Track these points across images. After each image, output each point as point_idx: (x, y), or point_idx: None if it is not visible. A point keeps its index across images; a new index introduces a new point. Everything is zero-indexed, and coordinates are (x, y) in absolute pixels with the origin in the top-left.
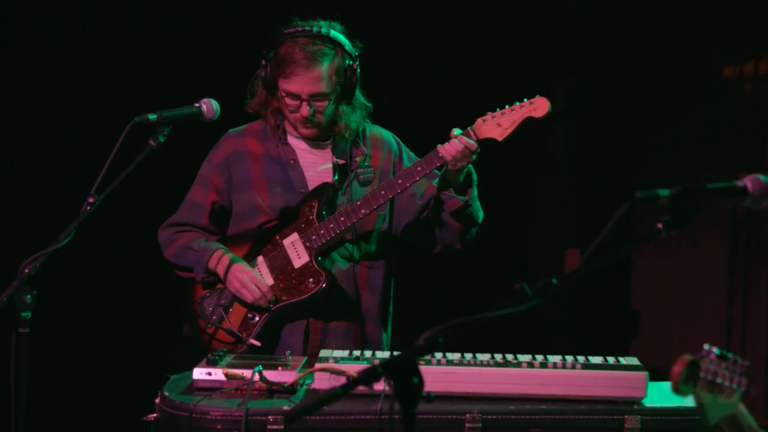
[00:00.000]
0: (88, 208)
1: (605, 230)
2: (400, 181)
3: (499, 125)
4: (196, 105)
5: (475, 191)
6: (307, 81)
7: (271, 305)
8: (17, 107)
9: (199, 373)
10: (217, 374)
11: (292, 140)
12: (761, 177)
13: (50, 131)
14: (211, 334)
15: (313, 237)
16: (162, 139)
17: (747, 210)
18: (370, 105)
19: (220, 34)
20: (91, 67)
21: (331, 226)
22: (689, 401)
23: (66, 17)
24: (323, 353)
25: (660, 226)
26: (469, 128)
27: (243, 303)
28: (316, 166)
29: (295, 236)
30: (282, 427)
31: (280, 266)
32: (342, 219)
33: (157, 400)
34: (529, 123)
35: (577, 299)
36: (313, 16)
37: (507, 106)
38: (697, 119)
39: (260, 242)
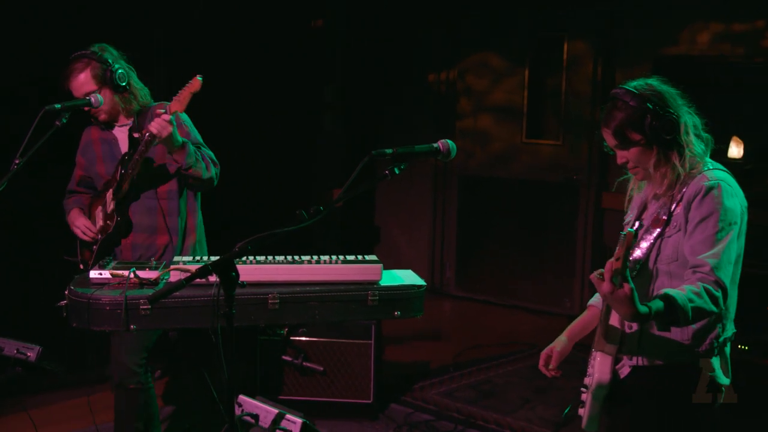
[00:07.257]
0: (14, 167)
1: (354, 174)
2: (142, 148)
3: (179, 101)
4: (87, 97)
5: (187, 159)
6: (75, 87)
7: (99, 236)
8: None
9: (93, 273)
10: (106, 274)
11: (115, 127)
12: (448, 141)
13: None
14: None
15: (112, 190)
16: (64, 121)
17: (442, 162)
18: (146, 88)
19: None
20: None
21: (119, 180)
22: (409, 281)
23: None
24: (176, 258)
25: (387, 172)
26: (167, 104)
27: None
28: (125, 143)
29: (110, 192)
30: (149, 306)
31: (104, 213)
32: (123, 173)
33: (66, 292)
34: (195, 96)
35: (343, 221)
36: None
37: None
38: (414, 107)
39: (101, 198)
